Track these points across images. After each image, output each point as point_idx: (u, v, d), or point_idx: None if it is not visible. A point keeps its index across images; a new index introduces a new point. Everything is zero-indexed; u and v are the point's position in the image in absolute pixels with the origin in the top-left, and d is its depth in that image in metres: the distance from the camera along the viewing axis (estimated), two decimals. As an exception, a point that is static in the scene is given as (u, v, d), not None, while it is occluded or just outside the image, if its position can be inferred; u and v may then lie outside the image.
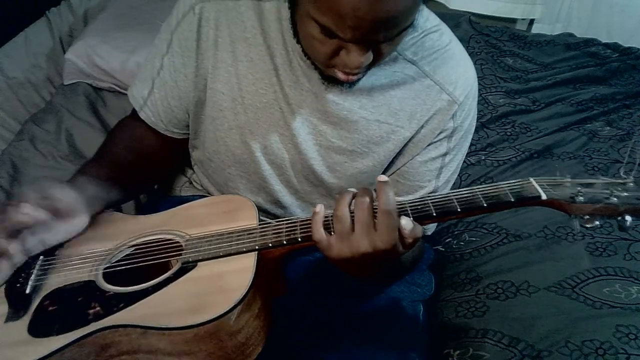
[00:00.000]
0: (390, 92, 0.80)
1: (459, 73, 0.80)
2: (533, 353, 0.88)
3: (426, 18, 0.81)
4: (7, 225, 0.67)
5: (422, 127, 0.81)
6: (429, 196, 0.65)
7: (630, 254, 1.03)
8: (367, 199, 0.60)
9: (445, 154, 0.83)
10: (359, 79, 0.72)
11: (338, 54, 0.66)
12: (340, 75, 0.69)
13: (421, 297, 0.94)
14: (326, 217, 0.64)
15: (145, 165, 0.91)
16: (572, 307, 0.94)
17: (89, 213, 0.75)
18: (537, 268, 1.04)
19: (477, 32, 1.98)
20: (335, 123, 0.81)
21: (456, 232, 1.22)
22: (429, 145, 0.82)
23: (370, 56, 0.65)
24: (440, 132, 0.81)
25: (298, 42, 0.72)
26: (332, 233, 0.62)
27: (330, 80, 0.73)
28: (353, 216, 0.61)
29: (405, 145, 0.83)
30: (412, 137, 0.82)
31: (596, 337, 0.87)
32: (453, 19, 1.99)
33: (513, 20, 2.33)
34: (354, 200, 0.61)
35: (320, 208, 0.63)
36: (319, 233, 0.63)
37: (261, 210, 0.89)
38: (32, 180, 1.25)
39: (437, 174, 0.84)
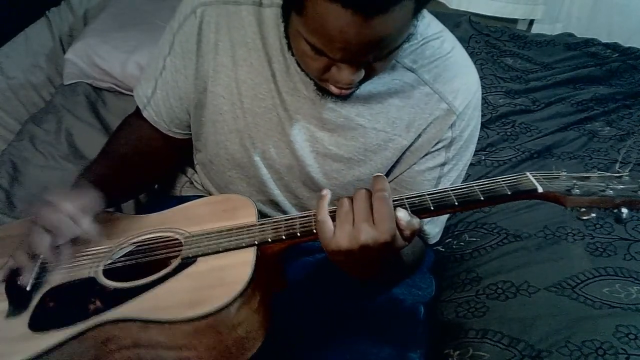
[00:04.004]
0: (388, 100, 0.79)
1: (460, 82, 0.79)
2: (533, 353, 0.87)
3: (427, 25, 0.79)
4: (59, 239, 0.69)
5: (419, 135, 0.80)
6: (426, 191, 0.66)
7: (630, 254, 1.03)
8: (364, 191, 0.63)
9: (443, 164, 0.83)
10: (352, 92, 0.72)
11: (330, 70, 0.66)
12: (333, 89, 0.70)
13: (422, 299, 0.94)
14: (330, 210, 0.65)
15: (148, 165, 0.91)
16: (572, 307, 0.94)
17: (94, 214, 0.75)
18: (537, 268, 1.04)
19: (477, 32, 1.98)
20: (332, 130, 0.81)
21: (456, 233, 1.22)
22: (426, 154, 0.82)
23: (361, 73, 0.66)
24: (438, 142, 0.81)
25: (293, 54, 0.73)
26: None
27: (324, 92, 0.74)
28: None
29: (403, 153, 0.82)
30: (410, 145, 0.81)
31: (596, 337, 0.87)
32: (453, 19, 1.99)
33: (513, 21, 2.33)
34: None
35: (327, 192, 0.65)
36: (323, 214, 0.63)
37: (261, 214, 0.89)
38: (32, 180, 1.25)
39: (435, 183, 0.83)
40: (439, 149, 0.81)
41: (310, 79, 0.74)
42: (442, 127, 0.79)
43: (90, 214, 0.71)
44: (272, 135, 0.82)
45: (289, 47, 0.73)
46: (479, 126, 0.85)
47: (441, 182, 0.84)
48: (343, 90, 0.69)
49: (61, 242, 0.69)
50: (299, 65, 0.74)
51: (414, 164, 0.82)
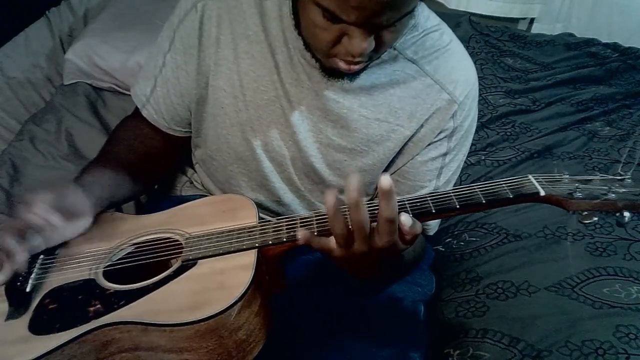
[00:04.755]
0: (390, 91, 0.80)
1: (459, 73, 0.80)
2: (533, 353, 0.88)
3: (427, 17, 0.81)
4: (19, 225, 0.67)
5: (422, 126, 0.81)
6: (428, 193, 0.66)
7: (630, 254, 1.03)
8: (362, 216, 0.59)
9: (445, 154, 0.84)
10: (359, 70, 0.72)
11: (340, 42, 0.66)
12: (342, 65, 0.69)
13: (422, 297, 0.94)
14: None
15: (148, 165, 0.91)
16: (572, 307, 0.94)
17: (92, 214, 0.76)
18: (537, 268, 1.04)
19: (477, 32, 1.98)
20: (335, 121, 0.81)
21: (456, 232, 1.22)
22: (429, 145, 0.83)
23: (372, 42, 0.65)
24: (440, 132, 0.82)
25: (299, 34, 0.73)
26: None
27: (331, 74, 0.73)
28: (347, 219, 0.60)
29: (405, 144, 0.83)
30: (412, 136, 0.82)
31: (596, 337, 0.87)
32: (453, 19, 1.99)
33: (513, 20, 2.33)
34: (349, 213, 0.59)
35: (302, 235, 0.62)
36: (321, 244, 0.63)
37: (262, 208, 0.89)
38: (32, 180, 1.25)
39: (437, 173, 0.84)
40: (442, 139, 0.82)
41: (317, 61, 0.73)
42: (444, 117, 0.80)
43: (58, 203, 0.69)
44: (275, 127, 0.82)
45: (296, 26, 0.72)
46: (477, 117, 0.86)
47: (442, 172, 0.84)
48: (352, 66, 0.69)
49: (20, 226, 0.67)
50: (305, 46, 0.73)
51: (417, 155, 0.83)
